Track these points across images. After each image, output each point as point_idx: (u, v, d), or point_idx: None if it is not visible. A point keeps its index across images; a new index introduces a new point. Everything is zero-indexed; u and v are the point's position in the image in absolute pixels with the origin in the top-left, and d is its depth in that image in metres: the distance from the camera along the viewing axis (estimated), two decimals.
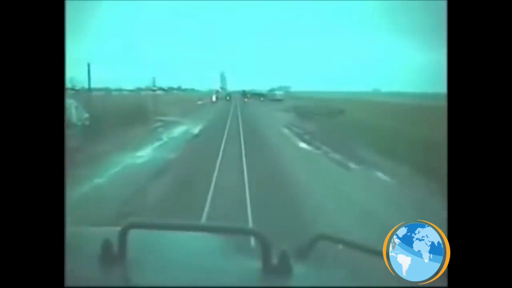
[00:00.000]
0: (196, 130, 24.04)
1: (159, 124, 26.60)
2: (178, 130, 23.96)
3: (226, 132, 22.35)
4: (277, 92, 76.67)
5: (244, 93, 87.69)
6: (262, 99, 74.24)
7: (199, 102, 59.59)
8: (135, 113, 25.22)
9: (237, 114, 39.22)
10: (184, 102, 52.90)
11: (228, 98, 76.68)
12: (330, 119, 28.57)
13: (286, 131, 24.38)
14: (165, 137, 20.22)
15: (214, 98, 69.85)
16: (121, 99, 36.13)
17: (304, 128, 25.05)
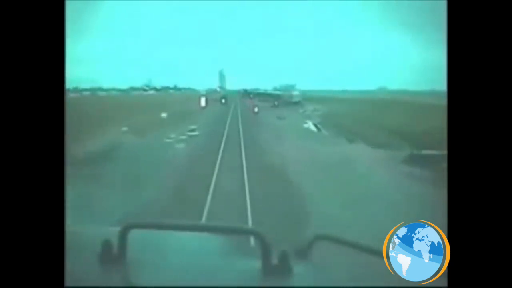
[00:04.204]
0: None
1: None
2: None
3: None
4: (294, 93, 51.79)
5: (246, 93, 58.75)
6: (276, 103, 47.85)
7: (163, 115, 32.53)
8: None
9: (241, 154, 16.84)
10: (147, 111, 32.64)
11: (223, 101, 53.68)
12: None
13: None
14: None
15: (203, 102, 46.25)
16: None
17: None
